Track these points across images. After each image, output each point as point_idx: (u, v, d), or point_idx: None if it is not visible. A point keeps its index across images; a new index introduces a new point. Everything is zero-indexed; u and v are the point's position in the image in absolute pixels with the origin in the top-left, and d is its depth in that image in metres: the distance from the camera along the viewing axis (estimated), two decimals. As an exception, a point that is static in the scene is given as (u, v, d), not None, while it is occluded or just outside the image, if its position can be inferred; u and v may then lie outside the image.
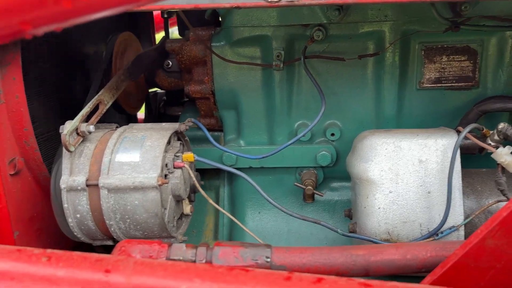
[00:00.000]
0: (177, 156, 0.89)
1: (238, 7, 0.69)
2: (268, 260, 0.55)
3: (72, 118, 0.84)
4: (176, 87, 1.21)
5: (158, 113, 1.47)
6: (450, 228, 0.83)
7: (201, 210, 1.17)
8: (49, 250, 0.49)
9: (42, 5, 0.33)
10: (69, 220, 0.84)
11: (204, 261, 0.55)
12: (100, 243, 0.92)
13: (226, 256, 0.55)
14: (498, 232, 0.46)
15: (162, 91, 1.49)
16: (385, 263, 0.56)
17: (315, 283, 0.44)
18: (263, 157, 0.99)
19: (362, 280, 0.47)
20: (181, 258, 0.56)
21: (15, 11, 0.34)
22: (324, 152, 1.05)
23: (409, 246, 0.57)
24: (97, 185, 0.81)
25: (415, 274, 0.60)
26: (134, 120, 1.51)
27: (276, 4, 0.68)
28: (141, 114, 1.64)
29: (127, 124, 0.98)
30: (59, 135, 1.05)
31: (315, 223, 0.87)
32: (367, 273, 0.55)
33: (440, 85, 1.01)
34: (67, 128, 0.81)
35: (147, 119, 1.49)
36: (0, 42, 0.35)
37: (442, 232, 0.84)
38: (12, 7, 0.33)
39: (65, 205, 0.82)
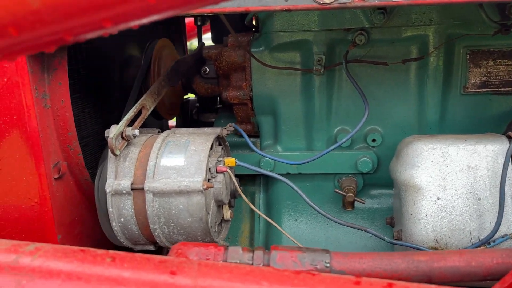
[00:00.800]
0: (219, 161, 0.89)
1: (289, 10, 0.68)
2: (328, 265, 0.54)
3: (108, 124, 0.85)
4: (212, 93, 1.21)
5: (191, 119, 1.47)
6: (502, 237, 0.80)
7: (236, 216, 1.16)
8: (111, 251, 0.48)
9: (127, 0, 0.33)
10: (113, 224, 0.84)
11: (261, 264, 0.54)
12: (141, 247, 0.91)
13: (284, 260, 0.54)
14: None
15: (194, 98, 1.50)
16: (449, 269, 0.54)
17: (387, 287, 0.42)
18: (303, 163, 0.97)
19: (432, 286, 0.45)
20: (238, 261, 0.54)
21: (99, 6, 0.34)
22: (365, 158, 1.03)
23: (473, 253, 0.55)
24: (142, 189, 0.81)
25: (480, 282, 0.57)
26: (166, 127, 1.52)
27: (328, 6, 0.67)
28: (171, 121, 1.65)
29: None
30: (96, 140, 1.06)
31: (362, 230, 0.85)
32: (430, 280, 0.53)
33: (486, 90, 0.98)
34: (113, 132, 0.82)
35: (179, 126, 1.50)
36: (82, 39, 0.34)
37: (494, 241, 0.81)
38: (97, 1, 0.33)
39: (110, 209, 0.82)
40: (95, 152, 1.06)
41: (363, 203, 1.03)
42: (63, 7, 0.33)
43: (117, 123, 0.85)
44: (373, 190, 1.09)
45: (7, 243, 0.51)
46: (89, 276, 0.44)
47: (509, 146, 0.80)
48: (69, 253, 0.47)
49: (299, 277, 0.44)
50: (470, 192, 0.83)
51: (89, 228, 1.02)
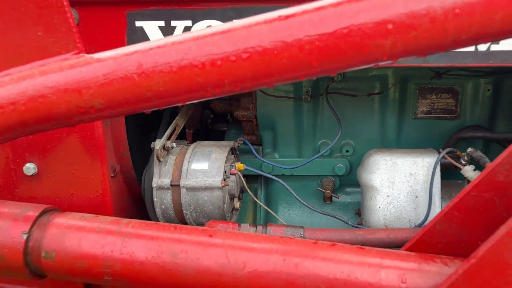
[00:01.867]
0: (232, 166, 1.23)
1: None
2: (301, 235, 0.88)
3: (144, 138, 1.18)
4: (225, 111, 1.55)
5: (206, 128, 1.81)
6: (431, 223, 1.14)
7: (243, 206, 1.50)
8: (172, 224, 0.82)
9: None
10: (157, 210, 1.18)
11: (261, 233, 0.88)
12: (174, 228, 1.26)
13: (275, 232, 0.88)
14: (442, 219, 0.76)
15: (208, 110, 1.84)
16: (376, 240, 0.87)
17: (331, 246, 0.76)
18: (294, 167, 1.31)
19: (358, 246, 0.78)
20: (247, 231, 0.88)
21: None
22: (340, 164, 1.37)
23: (392, 230, 0.89)
24: (178, 185, 1.15)
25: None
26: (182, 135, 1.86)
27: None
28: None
29: (180, 137, 1.33)
30: (136, 150, 1.39)
31: (333, 216, 1.20)
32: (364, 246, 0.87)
33: (430, 115, 1.32)
34: (157, 144, 1.16)
35: (197, 133, 1.84)
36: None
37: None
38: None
39: (155, 199, 1.17)
40: (135, 159, 1.40)
41: (338, 198, 1.37)
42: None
43: (151, 137, 1.18)
44: (347, 188, 1.43)
45: (109, 218, 0.84)
46: (162, 237, 0.77)
47: (436, 159, 1.14)
48: (148, 224, 0.80)
49: (282, 239, 0.78)
50: (410, 192, 1.17)
51: (131, 214, 1.36)
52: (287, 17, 0.58)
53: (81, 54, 0.70)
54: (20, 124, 0.69)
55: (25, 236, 0.77)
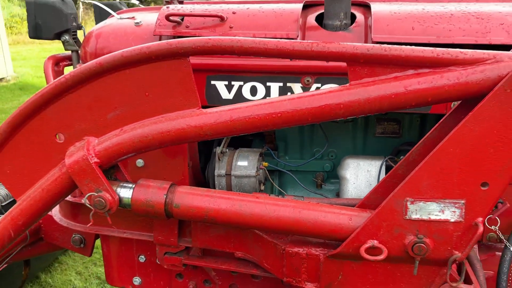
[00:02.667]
0: (260, 163, 2.00)
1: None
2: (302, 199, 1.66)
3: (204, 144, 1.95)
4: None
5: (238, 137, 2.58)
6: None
7: (266, 189, 2.28)
8: (236, 192, 1.60)
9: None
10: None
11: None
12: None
13: (287, 198, 1.66)
14: (372, 192, 1.53)
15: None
16: (339, 203, 1.65)
17: (317, 204, 1.53)
18: (298, 165, 2.10)
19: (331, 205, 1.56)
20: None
21: None
22: (327, 164, 2.15)
23: (350, 199, 1.66)
24: (230, 174, 1.93)
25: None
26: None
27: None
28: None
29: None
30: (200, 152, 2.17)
31: (322, 196, 1.98)
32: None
33: (383, 135, 2.09)
34: (218, 149, 1.94)
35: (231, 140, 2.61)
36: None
37: (375, 202, 1.92)
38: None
39: (216, 183, 1.95)
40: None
41: (325, 186, 2.14)
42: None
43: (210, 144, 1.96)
44: (331, 179, 2.21)
45: (202, 188, 1.61)
46: (233, 198, 1.54)
47: (382, 162, 1.91)
48: (225, 192, 1.58)
49: (291, 200, 1.55)
50: (367, 181, 1.94)
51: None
52: (299, 97, 1.36)
53: (200, 108, 1.47)
54: (176, 139, 1.45)
55: (164, 196, 1.53)
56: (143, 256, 1.98)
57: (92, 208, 1.42)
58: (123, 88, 1.42)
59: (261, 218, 1.45)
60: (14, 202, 1.87)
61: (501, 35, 1.55)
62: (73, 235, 2.16)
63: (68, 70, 1.71)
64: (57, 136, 1.48)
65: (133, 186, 1.49)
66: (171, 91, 1.42)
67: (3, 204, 2.37)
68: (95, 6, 2.08)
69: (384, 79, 1.24)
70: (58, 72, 2.10)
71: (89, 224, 1.48)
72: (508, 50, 1.24)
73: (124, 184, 1.49)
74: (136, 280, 2.03)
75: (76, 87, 1.42)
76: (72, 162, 1.39)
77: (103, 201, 1.40)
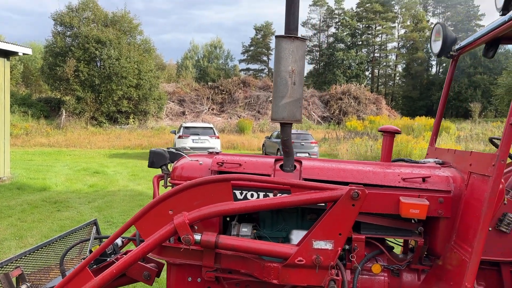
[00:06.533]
0: (252, 231, 4.04)
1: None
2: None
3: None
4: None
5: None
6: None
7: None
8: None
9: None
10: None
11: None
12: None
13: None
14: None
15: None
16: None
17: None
18: (270, 233, 4.15)
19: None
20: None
21: None
22: (284, 233, 4.20)
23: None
24: (238, 234, 3.95)
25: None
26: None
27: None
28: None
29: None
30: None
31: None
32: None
33: (311, 219, 4.20)
34: (233, 222, 3.98)
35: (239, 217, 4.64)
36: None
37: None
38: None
39: (229, 239, 3.96)
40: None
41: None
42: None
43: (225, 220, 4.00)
44: (286, 242, 4.23)
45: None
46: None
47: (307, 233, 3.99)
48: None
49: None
50: (300, 237, 3.99)
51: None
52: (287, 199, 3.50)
53: (233, 201, 3.55)
54: (221, 214, 3.50)
55: (215, 239, 3.51)
56: (190, 278, 3.88)
57: (183, 242, 3.40)
58: (198, 194, 3.51)
59: (254, 249, 3.47)
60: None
61: (349, 178, 3.78)
62: (144, 272, 4.05)
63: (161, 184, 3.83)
64: (170, 211, 3.52)
65: (201, 234, 3.50)
66: (221, 194, 3.52)
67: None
68: (170, 152, 4.25)
69: (303, 193, 3.40)
70: (158, 183, 4.20)
71: (181, 249, 3.46)
72: (347, 184, 3.45)
73: (198, 233, 3.50)
74: None
75: (180, 192, 3.50)
76: (177, 222, 3.41)
77: (189, 239, 3.40)
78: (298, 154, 23.48)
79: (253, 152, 29.29)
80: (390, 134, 4.40)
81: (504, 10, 2.98)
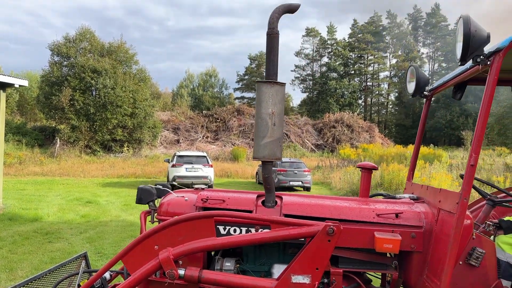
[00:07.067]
0: (235, 265, 4.19)
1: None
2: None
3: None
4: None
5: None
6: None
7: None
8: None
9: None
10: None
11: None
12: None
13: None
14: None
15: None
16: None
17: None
18: (252, 267, 4.30)
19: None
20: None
21: None
22: (266, 267, 4.35)
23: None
24: (221, 269, 4.09)
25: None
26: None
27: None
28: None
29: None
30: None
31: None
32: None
33: (292, 253, 4.36)
34: (217, 256, 4.13)
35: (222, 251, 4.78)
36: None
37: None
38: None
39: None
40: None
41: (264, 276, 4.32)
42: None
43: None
44: (268, 276, 4.38)
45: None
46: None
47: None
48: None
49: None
50: (281, 271, 4.15)
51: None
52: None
53: (215, 237, 3.72)
54: (204, 249, 3.68)
55: (198, 273, 3.65)
56: None
57: (168, 277, 3.55)
58: (183, 230, 3.68)
59: (235, 283, 3.61)
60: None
61: (327, 214, 3.97)
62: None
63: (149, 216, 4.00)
64: (156, 246, 3.68)
65: (185, 269, 3.65)
66: (204, 230, 3.69)
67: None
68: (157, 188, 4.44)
69: (282, 229, 3.59)
70: (145, 218, 4.37)
71: (166, 284, 3.60)
72: (324, 221, 3.64)
73: (181, 268, 3.65)
74: None
75: (165, 229, 3.67)
76: (162, 257, 3.56)
77: (173, 274, 3.55)
78: (291, 183, 23.61)
79: (247, 180, 29.40)
80: (367, 170, 4.62)
81: (462, 61, 3.26)
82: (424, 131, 5.17)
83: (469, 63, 3.47)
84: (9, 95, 45.86)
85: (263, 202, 4.01)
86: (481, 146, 3.29)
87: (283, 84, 3.79)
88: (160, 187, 4.30)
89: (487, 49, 3.27)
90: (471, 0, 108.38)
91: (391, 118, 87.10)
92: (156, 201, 4.30)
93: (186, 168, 23.51)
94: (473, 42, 3.16)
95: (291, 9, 3.75)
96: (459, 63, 3.39)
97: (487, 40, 3.22)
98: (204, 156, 25.10)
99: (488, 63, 3.25)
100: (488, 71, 3.27)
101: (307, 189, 23.99)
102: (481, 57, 3.25)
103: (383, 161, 29.13)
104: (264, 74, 3.84)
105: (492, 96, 3.26)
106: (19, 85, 15.13)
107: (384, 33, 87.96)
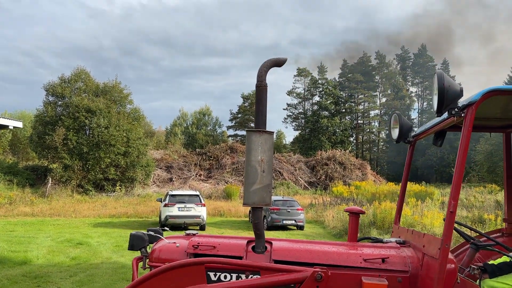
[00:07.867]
0: None
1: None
2: None
3: None
4: None
5: None
6: None
7: None
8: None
9: None
10: None
11: None
12: None
13: None
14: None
15: None
16: None
17: None
18: None
19: None
20: None
21: None
22: None
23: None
24: None
25: None
26: None
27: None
28: None
29: None
30: None
31: None
32: None
33: None
34: None
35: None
36: None
37: None
38: None
39: None
40: None
41: None
42: None
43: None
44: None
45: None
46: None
47: None
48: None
49: None
50: None
51: None
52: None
53: (206, 284, 3.77)
54: None
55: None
56: None
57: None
58: (174, 277, 3.75)
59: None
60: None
61: (315, 259, 4.05)
62: None
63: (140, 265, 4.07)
64: (146, 293, 3.73)
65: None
66: (195, 277, 3.76)
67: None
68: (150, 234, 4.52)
69: (272, 276, 3.67)
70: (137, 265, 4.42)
71: None
72: (313, 266, 3.73)
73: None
74: None
75: (156, 276, 3.73)
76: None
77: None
78: (284, 221, 23.52)
79: (240, 219, 29.20)
80: (355, 215, 4.75)
81: (438, 113, 3.49)
82: (408, 175, 5.35)
83: (445, 114, 3.70)
84: (2, 134, 45.91)
85: (253, 248, 4.10)
86: (459, 193, 3.46)
87: (271, 133, 3.98)
88: (152, 233, 4.38)
89: (466, 99, 3.51)
90: (456, 40, 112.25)
91: (382, 155, 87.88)
92: (148, 247, 4.36)
93: (179, 208, 23.36)
94: (447, 96, 3.40)
95: (278, 63, 4.01)
96: (436, 115, 3.61)
97: (460, 94, 3.47)
98: (197, 195, 25.02)
99: (462, 115, 3.48)
100: (462, 122, 3.49)
101: (301, 227, 23.86)
102: (456, 109, 3.48)
103: (375, 199, 29.21)
104: (254, 124, 4.03)
105: (467, 145, 3.47)
106: (14, 127, 15.26)
107: (374, 72, 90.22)
